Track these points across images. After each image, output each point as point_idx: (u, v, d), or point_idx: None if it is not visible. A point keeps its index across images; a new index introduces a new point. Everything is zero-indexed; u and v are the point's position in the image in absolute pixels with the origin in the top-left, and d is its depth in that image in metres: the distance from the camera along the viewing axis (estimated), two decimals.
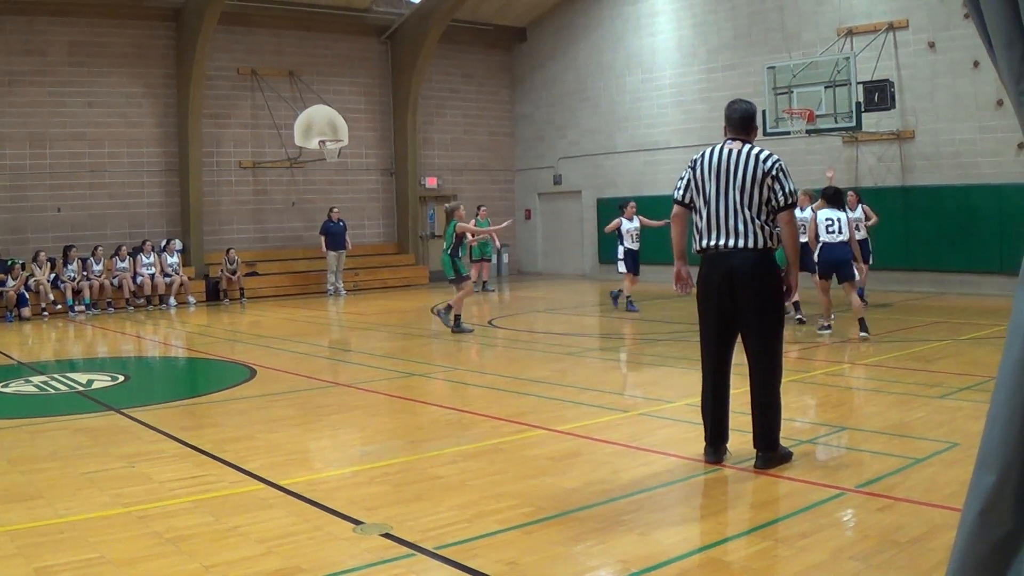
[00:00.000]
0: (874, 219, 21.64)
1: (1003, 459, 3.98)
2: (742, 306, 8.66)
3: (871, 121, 26.05)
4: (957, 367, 14.11)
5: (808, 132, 26.07)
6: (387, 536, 6.99)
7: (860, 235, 20.79)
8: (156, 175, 30.37)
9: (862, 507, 7.52)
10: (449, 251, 19.71)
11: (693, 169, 8.98)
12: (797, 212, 19.52)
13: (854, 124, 25.12)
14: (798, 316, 19.36)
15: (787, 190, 8.64)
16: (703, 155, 8.94)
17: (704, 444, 9.00)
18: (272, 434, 10.84)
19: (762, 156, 8.66)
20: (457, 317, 19.57)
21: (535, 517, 7.40)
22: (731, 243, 8.63)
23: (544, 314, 18.82)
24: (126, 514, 7.69)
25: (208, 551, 6.76)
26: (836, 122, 25.39)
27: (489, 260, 31.17)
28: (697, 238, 8.92)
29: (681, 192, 9.08)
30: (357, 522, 7.30)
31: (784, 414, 8.90)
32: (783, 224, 8.72)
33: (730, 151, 8.78)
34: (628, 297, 22.60)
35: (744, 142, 8.85)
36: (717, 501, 8.03)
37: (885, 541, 6.62)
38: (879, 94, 25.21)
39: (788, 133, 26.42)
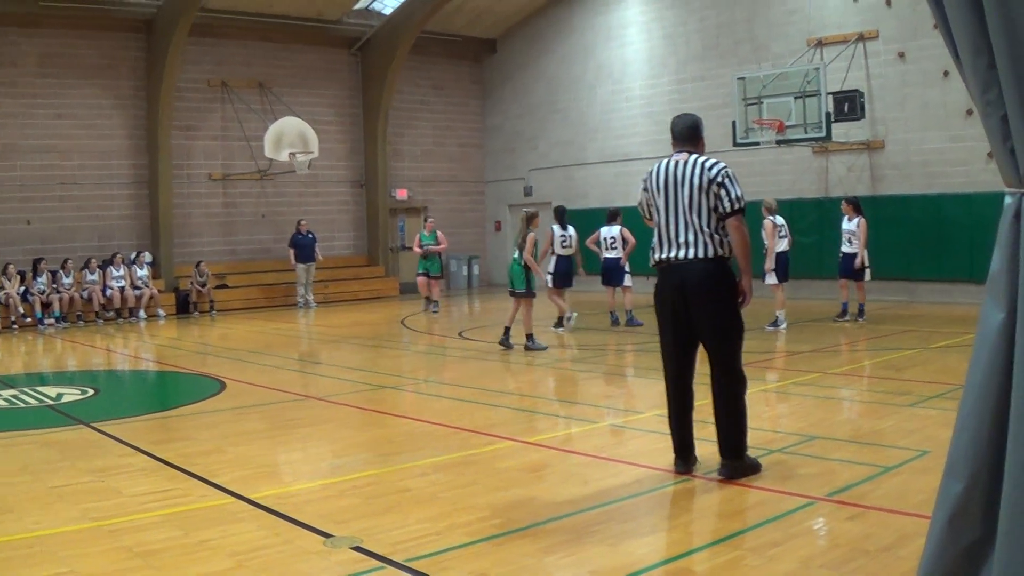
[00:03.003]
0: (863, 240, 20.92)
1: (971, 467, 3.99)
2: (697, 317, 8.63)
3: (841, 131, 26.13)
4: (927, 375, 14.15)
5: (778, 143, 26.14)
6: (357, 549, 6.95)
7: (850, 248, 20.87)
8: (126, 187, 30.28)
9: (832, 516, 7.52)
10: (522, 262, 19.03)
11: (645, 187, 9.03)
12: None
13: (824, 134, 25.18)
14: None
15: (733, 196, 8.58)
16: (652, 170, 8.98)
17: (673, 455, 8.98)
18: (242, 447, 10.80)
19: (707, 164, 8.65)
20: (530, 335, 18.86)
21: (505, 529, 7.38)
22: (681, 255, 8.62)
23: (514, 326, 18.77)
24: (96, 528, 7.64)
25: (178, 565, 6.71)
26: (806, 132, 25.44)
27: (438, 278, 28.73)
28: (651, 252, 8.95)
29: (645, 210, 9.14)
30: (327, 535, 7.27)
31: (754, 423, 8.90)
32: (731, 230, 8.61)
33: (676, 162, 8.79)
34: (630, 311, 22.19)
35: (691, 152, 8.85)
36: (687, 511, 8.02)
37: (855, 550, 6.62)
38: (849, 104, 25.30)
39: (758, 144, 26.50)
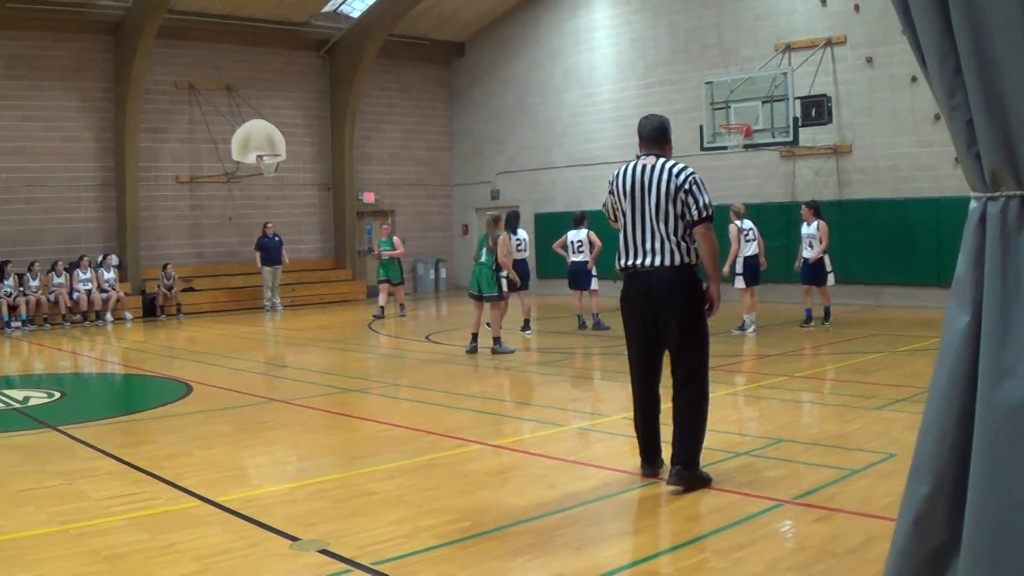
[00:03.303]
0: (821, 245, 20.79)
1: (936, 470, 4.00)
2: (663, 325, 8.53)
3: (808, 136, 26.23)
4: (893, 379, 14.21)
5: (745, 147, 26.23)
6: (324, 552, 6.94)
7: (810, 253, 20.81)
8: (93, 190, 30.16)
9: (799, 518, 7.56)
10: (492, 266, 18.87)
11: (611, 190, 8.90)
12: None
13: (791, 139, 25.26)
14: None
15: (701, 203, 8.44)
16: (618, 173, 8.84)
17: (640, 459, 8.96)
18: (208, 451, 10.77)
19: (675, 170, 8.51)
20: (497, 339, 18.92)
21: (472, 532, 7.38)
22: (648, 262, 8.51)
23: (481, 329, 18.78)
24: (63, 532, 7.61)
25: (145, 569, 6.69)
26: (773, 137, 25.52)
27: (399, 284, 27.99)
28: (617, 257, 8.82)
29: (610, 213, 9.06)
30: (294, 538, 7.26)
31: (721, 426, 8.94)
32: (699, 238, 8.49)
33: (643, 167, 8.65)
34: (597, 315, 22.17)
35: (658, 156, 8.71)
36: (653, 514, 8.03)
37: (822, 552, 6.65)
38: (816, 109, 25.38)
39: (725, 148, 26.58)
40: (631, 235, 8.63)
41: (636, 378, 8.87)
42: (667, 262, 8.43)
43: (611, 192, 8.89)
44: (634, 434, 9.03)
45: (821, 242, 20.66)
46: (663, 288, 8.46)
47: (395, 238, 27.80)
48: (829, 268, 21.05)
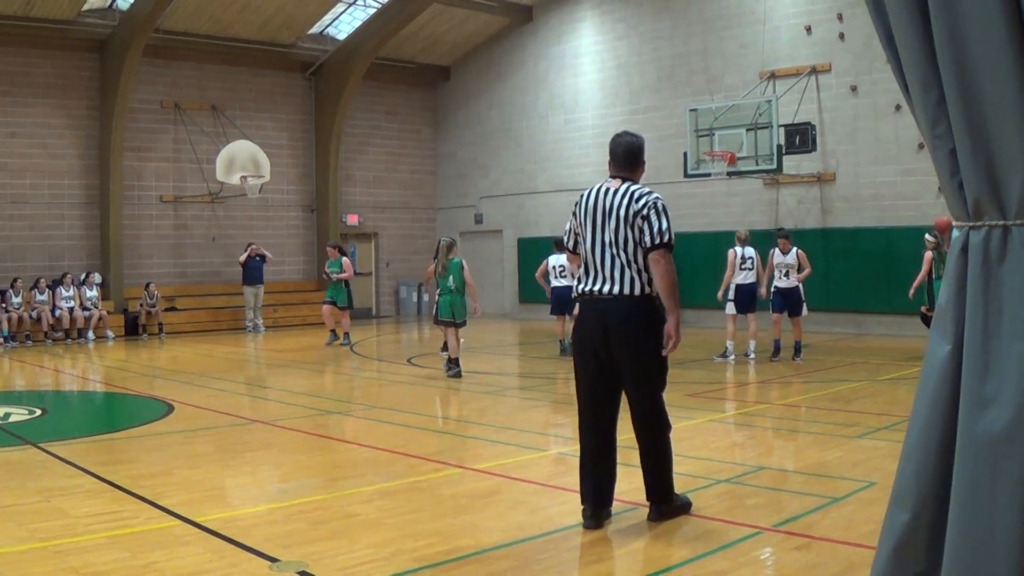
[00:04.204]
0: (807, 271, 20.29)
1: (917, 497, 4.02)
2: (619, 358, 8.01)
3: (792, 163, 26.33)
4: (875, 407, 14.24)
5: (729, 174, 26.31)
6: (303, 574, 6.92)
7: (786, 283, 20.01)
8: (77, 207, 30.15)
9: (780, 546, 7.55)
10: (461, 291, 19.09)
11: (574, 211, 8.44)
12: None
13: (775, 166, 25.36)
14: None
15: (656, 228, 7.91)
16: (583, 195, 8.39)
17: (581, 506, 8.24)
18: (189, 470, 10.73)
19: (636, 194, 8.06)
20: (456, 359, 18.98)
21: (451, 556, 7.35)
22: (605, 289, 8.03)
23: (464, 353, 18.80)
24: (42, 549, 7.58)
25: None
26: (757, 164, 25.62)
27: (346, 308, 26.32)
28: (575, 283, 8.38)
29: (567, 238, 8.69)
30: (273, 559, 7.23)
31: (702, 453, 8.91)
32: (653, 265, 7.92)
33: (607, 190, 8.21)
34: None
35: (624, 180, 8.25)
36: (634, 539, 7.99)
37: None
38: (800, 137, 25.48)
39: (709, 175, 26.67)
40: (590, 260, 8.15)
41: (586, 417, 8.25)
42: (626, 291, 7.99)
43: (574, 215, 8.46)
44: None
45: (802, 269, 20.14)
46: (620, 318, 8.00)
47: (344, 259, 26.50)
48: (803, 298, 20.44)
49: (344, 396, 17.42)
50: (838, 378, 17.65)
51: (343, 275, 25.80)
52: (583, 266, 8.26)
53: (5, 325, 26.61)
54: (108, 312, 29.09)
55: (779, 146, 25.23)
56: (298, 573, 6.94)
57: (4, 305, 26.90)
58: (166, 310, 30.42)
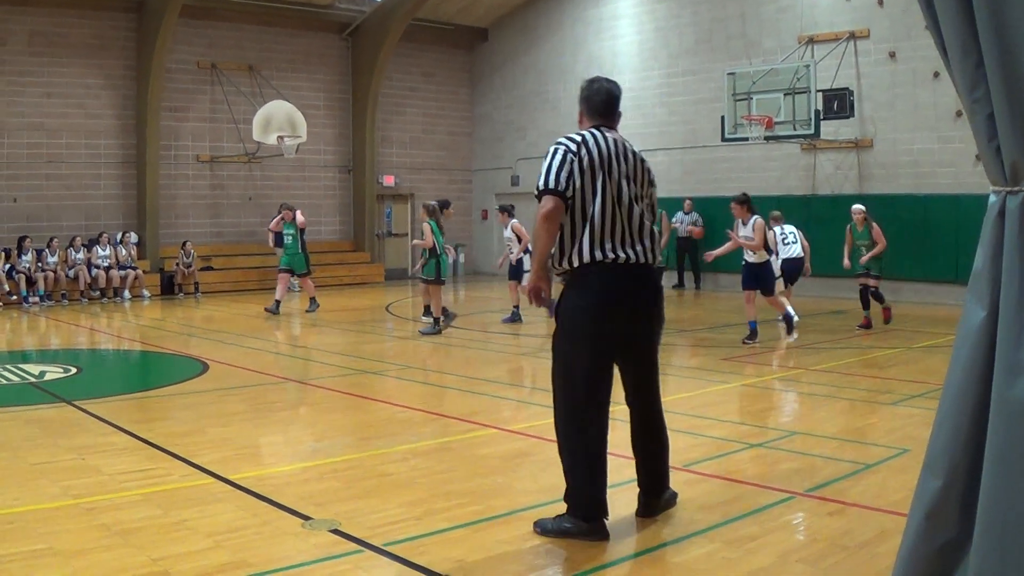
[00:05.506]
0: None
1: (949, 465, 4.00)
2: (642, 337, 7.20)
3: (829, 129, 26.16)
4: (909, 374, 14.17)
5: (766, 139, 26.17)
6: (336, 532, 6.96)
7: (752, 257, 17.73)
8: (113, 167, 30.19)
9: (812, 511, 7.54)
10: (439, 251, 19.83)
11: (577, 155, 7.09)
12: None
13: (812, 132, 25.22)
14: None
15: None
16: (588, 141, 7.23)
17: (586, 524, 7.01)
18: (223, 428, 10.79)
19: (639, 153, 7.43)
20: (445, 312, 19.95)
21: (484, 516, 7.40)
22: (640, 255, 6.99)
23: (499, 314, 18.84)
24: (75, 506, 7.64)
25: (156, 544, 6.71)
26: (795, 129, 25.48)
27: (305, 275, 25.20)
28: (589, 246, 6.91)
29: (564, 178, 6.95)
30: (306, 517, 7.27)
31: (735, 418, 8.88)
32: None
33: (616, 141, 7.32)
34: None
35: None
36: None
37: (834, 545, 6.64)
38: (838, 102, 25.33)
39: (747, 139, 26.53)
40: (617, 220, 6.97)
41: (589, 409, 7.02)
42: (651, 258, 7.14)
43: (576, 156, 7.09)
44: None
45: (758, 240, 17.63)
46: (655, 292, 7.22)
47: (298, 220, 24.71)
48: (777, 273, 19.26)
49: (378, 356, 17.42)
50: (872, 345, 17.59)
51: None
52: (611, 227, 6.92)
53: (41, 284, 26.71)
54: (144, 271, 29.17)
55: (817, 111, 25.09)
56: (331, 531, 6.97)
57: (40, 264, 26.98)
58: (202, 269, 30.48)
